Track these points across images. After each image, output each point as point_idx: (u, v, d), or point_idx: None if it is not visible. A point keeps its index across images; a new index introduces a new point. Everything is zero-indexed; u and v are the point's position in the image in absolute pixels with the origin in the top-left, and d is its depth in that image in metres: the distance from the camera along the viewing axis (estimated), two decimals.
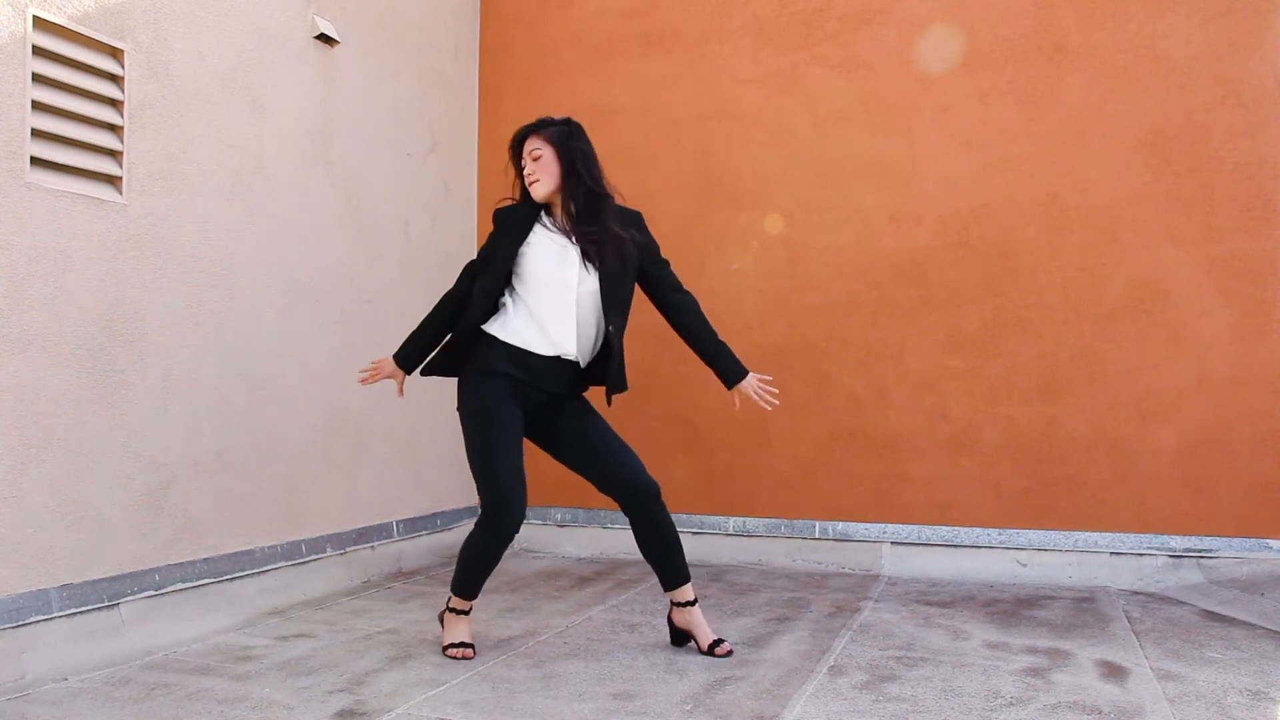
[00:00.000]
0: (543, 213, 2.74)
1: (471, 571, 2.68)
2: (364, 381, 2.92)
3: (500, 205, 2.81)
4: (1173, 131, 3.58)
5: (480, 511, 2.64)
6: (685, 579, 2.74)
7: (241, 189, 3.25)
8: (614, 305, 2.68)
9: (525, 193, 2.74)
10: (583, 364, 2.73)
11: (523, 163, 2.71)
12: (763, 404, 2.78)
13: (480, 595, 2.69)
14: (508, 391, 2.65)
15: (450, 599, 2.75)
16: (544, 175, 2.67)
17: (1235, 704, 2.25)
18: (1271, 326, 3.47)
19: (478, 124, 4.65)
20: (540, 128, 2.71)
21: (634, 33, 4.36)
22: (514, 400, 2.66)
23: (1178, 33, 3.58)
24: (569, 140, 2.69)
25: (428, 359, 2.84)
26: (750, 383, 2.80)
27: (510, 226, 2.73)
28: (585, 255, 2.65)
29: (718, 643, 2.69)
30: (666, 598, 2.84)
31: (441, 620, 2.79)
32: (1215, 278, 3.53)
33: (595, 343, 2.74)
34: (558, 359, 2.68)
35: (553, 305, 2.65)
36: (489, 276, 2.70)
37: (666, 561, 2.73)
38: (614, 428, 2.82)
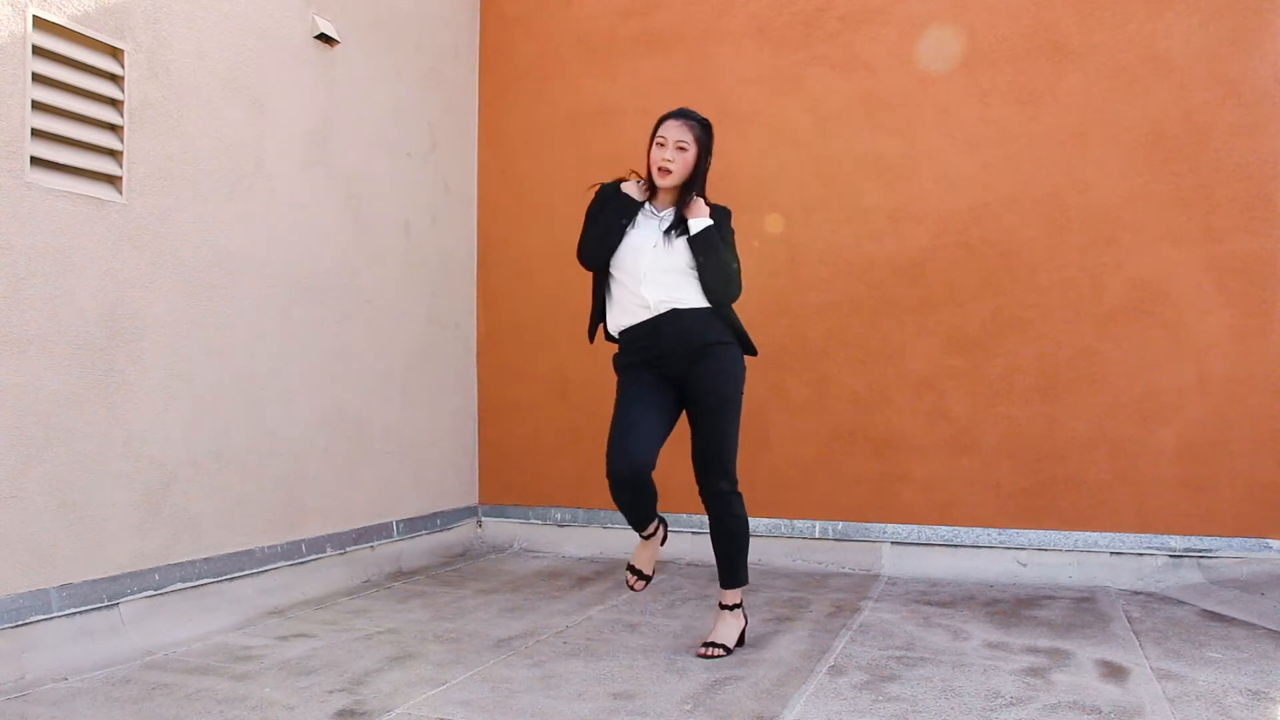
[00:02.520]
0: (647, 203, 2.78)
1: (626, 513, 2.74)
2: None
3: (607, 183, 2.83)
4: (1173, 131, 3.58)
5: None
6: (731, 583, 2.76)
7: (241, 189, 3.25)
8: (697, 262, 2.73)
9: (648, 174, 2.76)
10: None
11: (662, 145, 2.70)
12: None
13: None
14: (634, 373, 2.74)
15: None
16: (678, 170, 2.71)
17: (1235, 704, 2.24)
18: (1271, 326, 3.47)
19: (478, 124, 4.65)
20: (693, 119, 2.73)
21: (634, 33, 4.36)
22: (643, 378, 2.73)
23: (1178, 32, 3.58)
24: (709, 144, 2.76)
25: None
26: None
27: (616, 209, 2.76)
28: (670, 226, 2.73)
29: (709, 644, 2.68)
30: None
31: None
32: (1215, 278, 3.53)
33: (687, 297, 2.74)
34: (655, 320, 2.70)
35: (631, 270, 2.72)
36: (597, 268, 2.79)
37: (720, 559, 2.77)
38: None
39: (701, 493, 2.76)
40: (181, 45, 3.01)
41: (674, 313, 2.71)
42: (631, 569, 2.83)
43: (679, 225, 2.72)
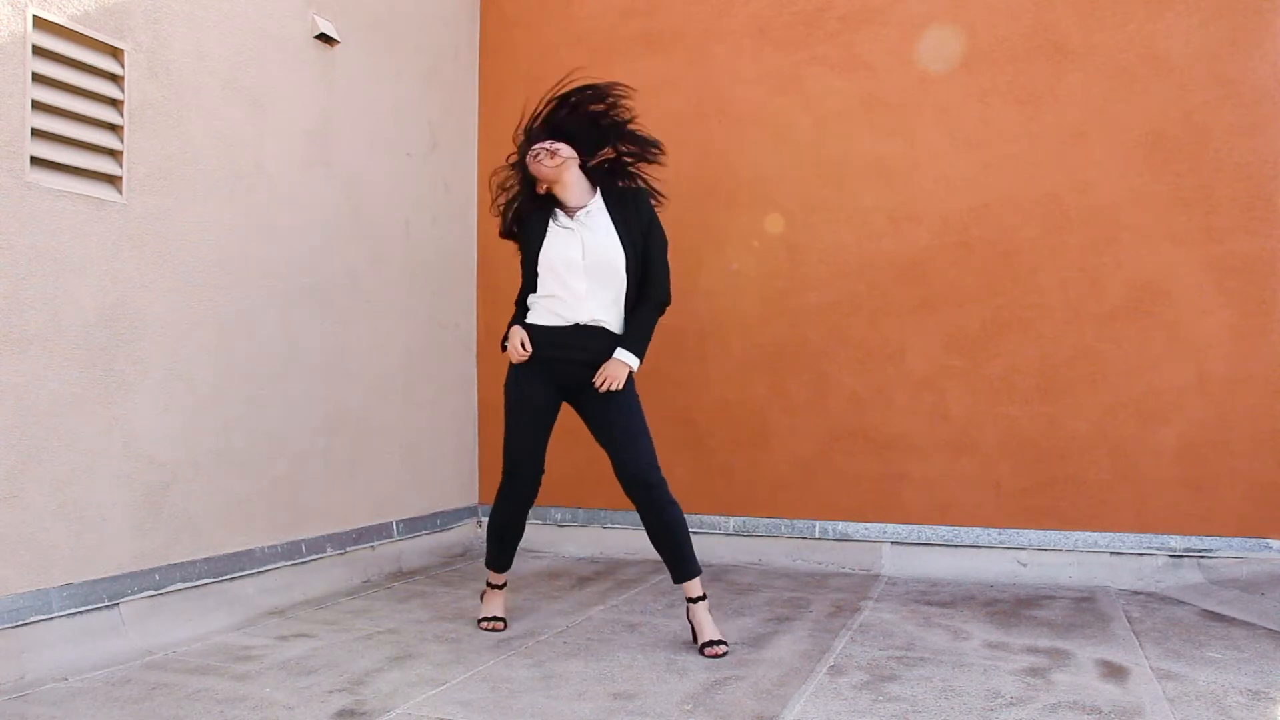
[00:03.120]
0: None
1: (494, 542, 2.96)
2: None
3: None
4: (1173, 131, 3.58)
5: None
6: (689, 574, 2.77)
7: (241, 189, 3.25)
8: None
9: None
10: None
11: (536, 157, 2.87)
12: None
13: (480, 595, 2.71)
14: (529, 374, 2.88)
15: (488, 576, 3.04)
16: (555, 169, 2.87)
17: (1235, 704, 2.24)
18: (1271, 326, 3.47)
19: (478, 124, 4.65)
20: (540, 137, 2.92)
21: (634, 33, 4.36)
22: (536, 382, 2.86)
23: (1178, 32, 3.58)
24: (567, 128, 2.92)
25: None
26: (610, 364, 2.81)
27: None
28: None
29: (711, 643, 2.68)
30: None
31: (481, 598, 3.09)
32: (1215, 278, 3.53)
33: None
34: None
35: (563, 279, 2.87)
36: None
37: (668, 554, 2.78)
38: None
39: (631, 488, 2.76)
40: (181, 45, 3.01)
41: (597, 328, 2.82)
42: (488, 619, 2.97)
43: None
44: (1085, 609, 3.22)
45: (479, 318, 4.63)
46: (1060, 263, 3.70)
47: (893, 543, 3.89)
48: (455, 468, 4.45)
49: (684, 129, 4.26)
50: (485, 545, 3.02)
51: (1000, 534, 3.75)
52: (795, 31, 4.10)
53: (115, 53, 2.81)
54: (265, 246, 3.35)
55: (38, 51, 2.60)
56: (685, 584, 2.77)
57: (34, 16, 2.57)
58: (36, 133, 2.59)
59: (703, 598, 2.77)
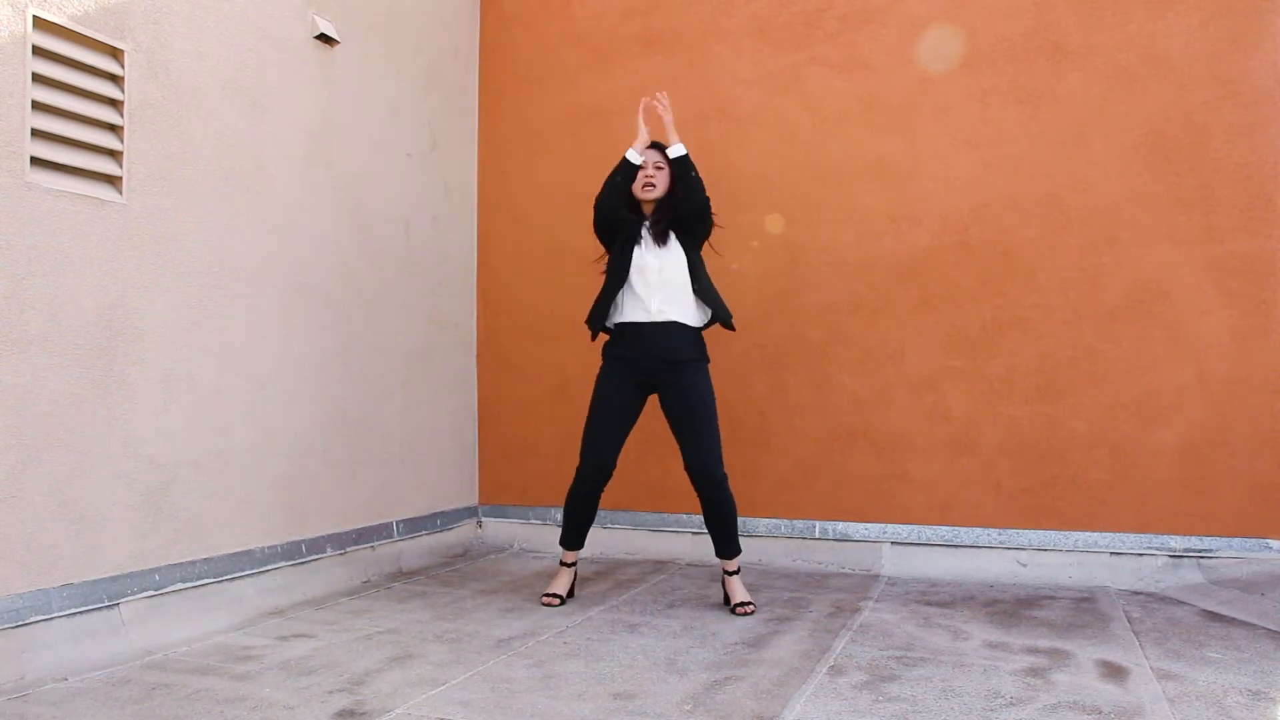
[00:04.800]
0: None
1: (568, 523, 3.35)
2: None
3: None
4: (1173, 131, 3.58)
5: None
6: (731, 554, 3.28)
7: (241, 189, 3.25)
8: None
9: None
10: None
11: (643, 167, 3.32)
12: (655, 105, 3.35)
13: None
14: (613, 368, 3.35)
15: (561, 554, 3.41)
16: (660, 186, 3.35)
17: (1235, 704, 2.24)
18: (1271, 326, 3.47)
19: (478, 124, 4.65)
20: (660, 149, 3.34)
21: (634, 33, 4.36)
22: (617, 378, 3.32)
23: (1178, 33, 3.58)
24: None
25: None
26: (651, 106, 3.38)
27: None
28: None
29: (743, 604, 3.17)
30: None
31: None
32: (1215, 278, 3.53)
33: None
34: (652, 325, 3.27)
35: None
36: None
37: (717, 535, 3.30)
38: None
39: (693, 480, 3.24)
40: (181, 45, 3.01)
41: (671, 324, 3.24)
42: (549, 594, 3.33)
43: (665, 217, 3.31)
44: (1085, 609, 3.22)
45: (479, 318, 4.63)
46: (1060, 263, 3.70)
47: (893, 543, 3.89)
48: (455, 468, 4.45)
49: (684, 129, 4.24)
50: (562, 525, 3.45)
51: (1000, 534, 3.75)
52: (795, 31, 4.10)
53: (115, 53, 2.81)
54: (265, 246, 3.35)
55: (38, 52, 2.60)
56: (725, 561, 3.28)
57: (34, 17, 2.57)
58: (36, 133, 2.59)
59: (737, 572, 3.28)
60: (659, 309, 3.22)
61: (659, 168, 3.31)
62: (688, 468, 3.23)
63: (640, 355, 3.24)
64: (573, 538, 3.36)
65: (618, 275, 3.27)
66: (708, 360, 3.33)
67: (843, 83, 4.02)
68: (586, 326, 3.36)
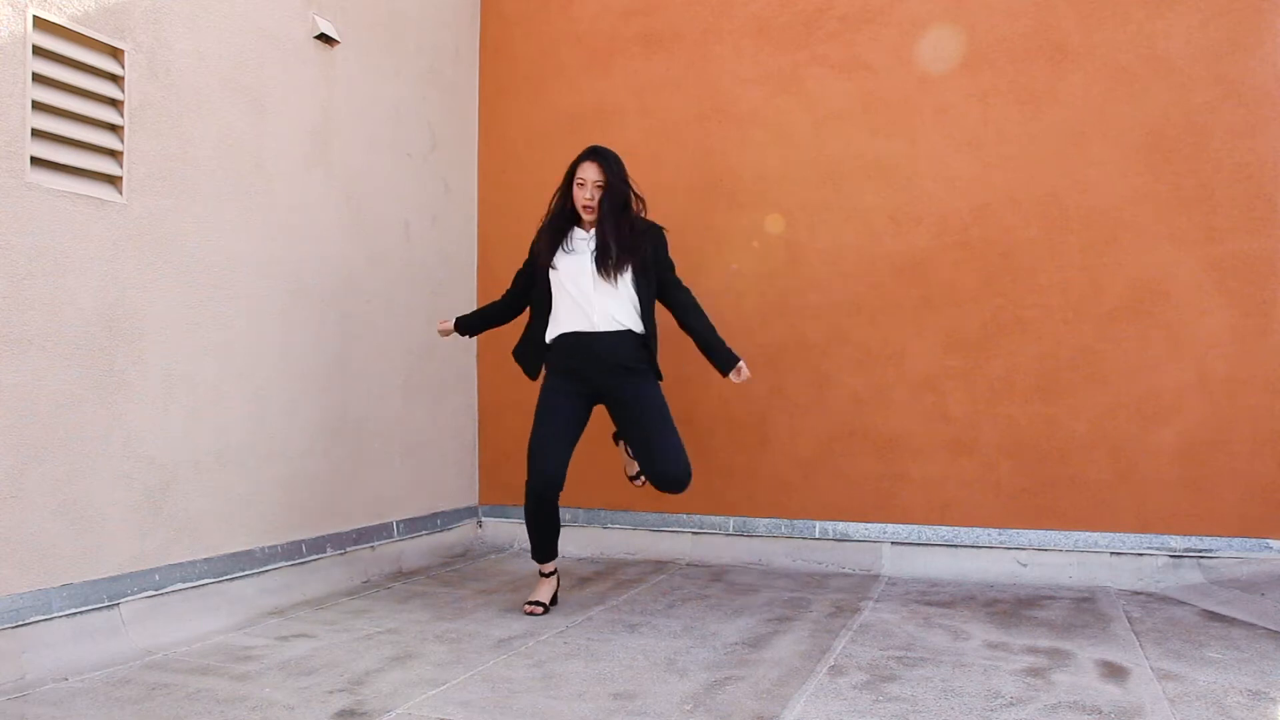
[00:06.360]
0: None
1: (533, 539, 3.23)
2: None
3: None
4: (1173, 131, 3.58)
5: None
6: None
7: (241, 189, 3.25)
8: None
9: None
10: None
11: (582, 185, 3.15)
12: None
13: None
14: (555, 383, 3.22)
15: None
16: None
17: (1235, 704, 2.24)
18: (1271, 326, 3.47)
19: (478, 124, 4.65)
20: (603, 157, 3.15)
21: (634, 33, 4.36)
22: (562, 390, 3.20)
23: (1178, 33, 3.58)
24: (623, 175, 3.18)
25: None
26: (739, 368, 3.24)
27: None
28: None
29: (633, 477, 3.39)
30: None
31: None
32: (1215, 278, 3.53)
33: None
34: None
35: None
36: None
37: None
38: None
39: (666, 490, 3.12)
40: (181, 45, 3.01)
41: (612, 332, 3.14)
42: (531, 602, 3.21)
43: (604, 253, 3.12)
44: (1085, 609, 3.22)
45: None
46: (1060, 263, 3.70)
47: (893, 543, 3.89)
48: (455, 468, 4.45)
49: (684, 129, 4.26)
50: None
51: (1000, 534, 3.75)
52: (795, 31, 4.10)
53: (115, 53, 2.81)
54: (265, 246, 3.35)
55: (38, 52, 2.60)
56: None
57: (34, 17, 2.57)
58: (36, 133, 2.59)
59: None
60: (600, 320, 3.13)
61: (599, 187, 3.13)
62: (651, 476, 3.10)
63: (583, 365, 3.14)
64: (542, 551, 3.24)
65: (552, 288, 3.20)
66: (659, 375, 3.23)
67: (843, 83, 4.02)
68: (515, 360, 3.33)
